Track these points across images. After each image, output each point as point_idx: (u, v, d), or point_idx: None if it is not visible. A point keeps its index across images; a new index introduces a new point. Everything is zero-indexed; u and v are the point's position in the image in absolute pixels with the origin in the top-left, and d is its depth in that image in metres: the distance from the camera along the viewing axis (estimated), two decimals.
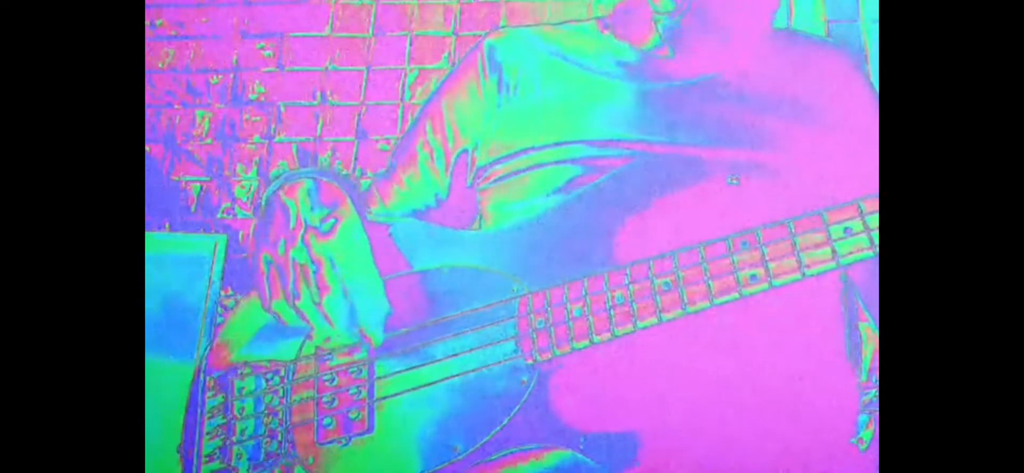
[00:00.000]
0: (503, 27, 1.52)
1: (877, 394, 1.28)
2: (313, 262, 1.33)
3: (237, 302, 1.41)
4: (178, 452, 1.33)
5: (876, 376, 1.29)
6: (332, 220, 1.36)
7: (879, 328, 1.24)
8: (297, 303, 1.33)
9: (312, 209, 1.37)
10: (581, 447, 1.27)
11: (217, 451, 1.33)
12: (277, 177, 1.47)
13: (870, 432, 1.27)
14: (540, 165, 1.39)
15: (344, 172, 1.49)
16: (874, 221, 1.27)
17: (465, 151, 1.43)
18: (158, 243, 1.45)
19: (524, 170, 1.39)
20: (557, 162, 1.39)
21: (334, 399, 1.32)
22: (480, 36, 1.52)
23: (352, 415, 1.31)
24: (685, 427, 1.27)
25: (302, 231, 1.35)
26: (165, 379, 1.37)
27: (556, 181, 1.38)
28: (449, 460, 1.28)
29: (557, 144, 1.39)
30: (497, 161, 1.41)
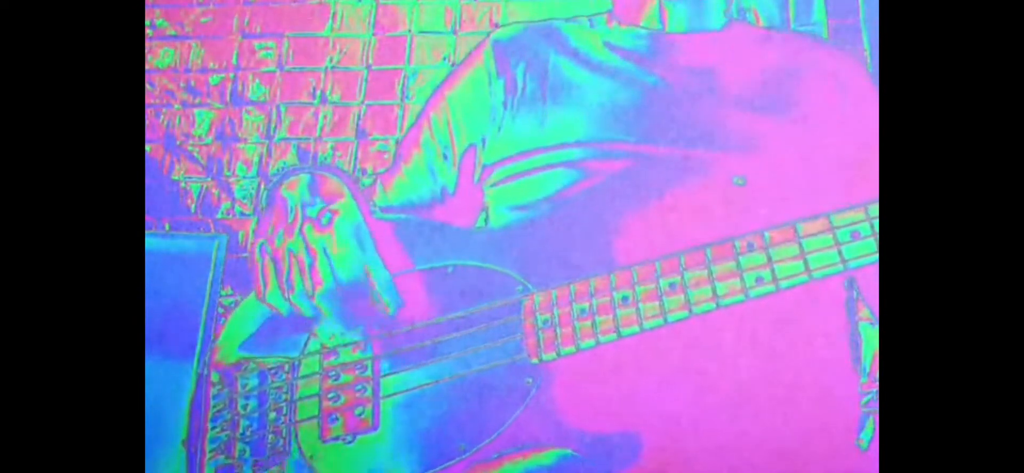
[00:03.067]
0: (509, 23, 1.51)
1: (877, 394, 1.28)
2: (309, 254, 1.33)
3: (237, 302, 1.41)
4: (184, 446, 1.33)
5: (876, 376, 1.29)
6: (328, 214, 1.36)
7: (879, 328, 1.24)
8: (291, 295, 1.33)
9: (310, 201, 1.37)
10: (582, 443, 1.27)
11: (222, 446, 1.33)
12: (279, 174, 1.47)
13: (870, 432, 1.27)
14: (546, 165, 1.39)
15: (345, 171, 1.49)
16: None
17: (472, 146, 1.43)
18: (158, 243, 1.45)
19: (530, 170, 1.39)
20: (563, 163, 1.38)
21: (339, 396, 1.32)
22: (480, 36, 1.52)
23: (358, 413, 1.31)
24: (687, 428, 1.27)
25: (300, 223, 1.35)
26: (165, 379, 1.37)
27: (562, 181, 1.37)
28: (453, 459, 1.28)
29: (563, 144, 1.39)
30: (504, 160, 1.41)
